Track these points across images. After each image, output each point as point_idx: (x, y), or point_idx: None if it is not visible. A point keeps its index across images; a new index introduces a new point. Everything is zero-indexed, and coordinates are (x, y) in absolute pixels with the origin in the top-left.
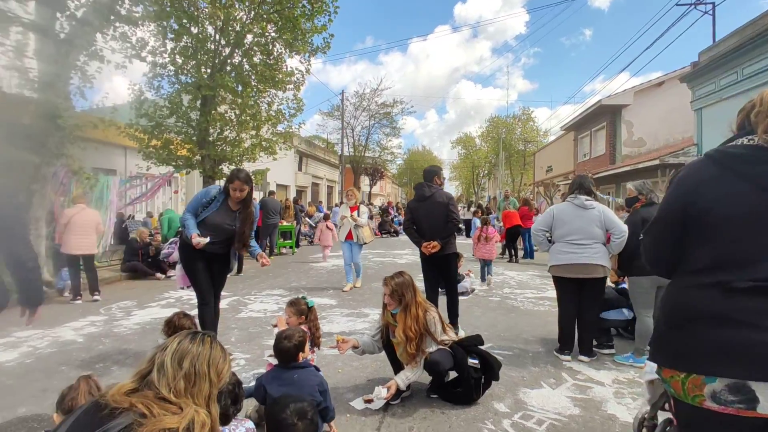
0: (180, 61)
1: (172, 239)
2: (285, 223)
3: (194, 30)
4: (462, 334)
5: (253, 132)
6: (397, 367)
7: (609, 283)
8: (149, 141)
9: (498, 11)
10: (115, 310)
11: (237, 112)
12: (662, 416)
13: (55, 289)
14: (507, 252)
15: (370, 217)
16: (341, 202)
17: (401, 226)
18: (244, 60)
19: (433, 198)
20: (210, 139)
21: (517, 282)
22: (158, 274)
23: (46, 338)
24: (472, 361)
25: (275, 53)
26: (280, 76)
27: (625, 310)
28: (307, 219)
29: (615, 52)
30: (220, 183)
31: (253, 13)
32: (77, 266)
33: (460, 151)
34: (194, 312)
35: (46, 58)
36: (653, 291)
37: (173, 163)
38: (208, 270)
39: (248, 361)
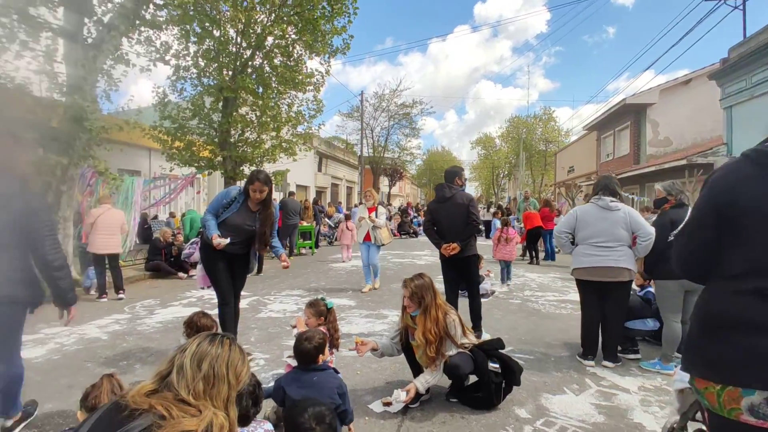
0: (202, 63)
1: (193, 240)
2: (305, 224)
3: (216, 33)
4: (486, 336)
5: (274, 133)
6: (417, 369)
7: (634, 286)
8: (172, 142)
9: (518, 10)
10: (139, 308)
11: (258, 113)
12: (692, 427)
13: (82, 287)
14: (528, 254)
15: (389, 218)
16: (360, 203)
17: (420, 227)
18: (265, 62)
19: (454, 199)
20: (231, 140)
21: (538, 284)
22: (180, 274)
23: (72, 335)
24: (493, 365)
25: (295, 55)
26: (300, 77)
27: (649, 321)
28: (326, 219)
29: (639, 50)
30: (241, 184)
31: (273, 15)
32: (103, 265)
33: (480, 152)
34: (214, 312)
35: (74, 62)
36: (681, 295)
37: (196, 164)
38: (229, 270)
39: (267, 361)
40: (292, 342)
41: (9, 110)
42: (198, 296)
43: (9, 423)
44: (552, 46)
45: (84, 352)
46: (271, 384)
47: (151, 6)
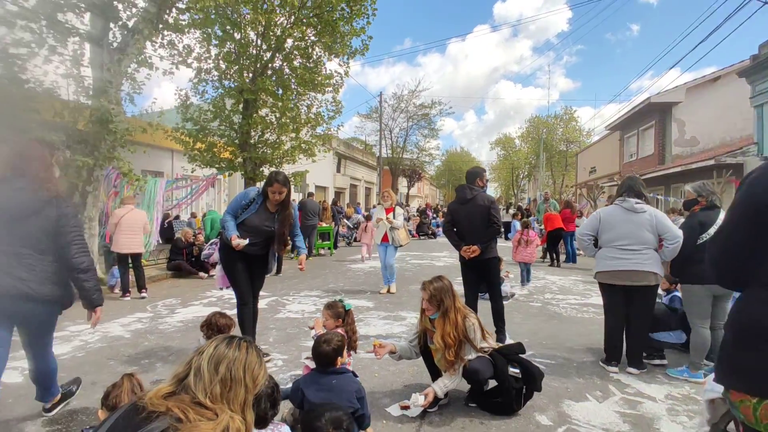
0: (223, 66)
1: (212, 240)
2: (324, 225)
3: (237, 36)
4: (509, 341)
5: (293, 134)
6: (435, 373)
7: (660, 291)
8: (194, 144)
9: (539, 8)
10: (161, 307)
11: (277, 115)
12: None
13: (107, 285)
14: (548, 256)
15: (407, 219)
16: (378, 203)
17: (439, 228)
18: (285, 64)
19: (474, 201)
20: (251, 141)
21: (558, 287)
22: (201, 273)
23: (96, 333)
24: (513, 370)
25: (315, 57)
26: (320, 79)
27: (673, 333)
28: (345, 220)
29: (664, 48)
30: (260, 185)
31: (293, 17)
32: (127, 264)
33: (499, 153)
34: (233, 312)
35: (99, 66)
36: (709, 300)
37: (216, 166)
38: (248, 271)
39: (285, 362)
40: (310, 343)
41: (38, 114)
42: (218, 296)
43: (47, 405)
44: (573, 45)
45: (107, 350)
46: (289, 385)
47: (173, 10)
